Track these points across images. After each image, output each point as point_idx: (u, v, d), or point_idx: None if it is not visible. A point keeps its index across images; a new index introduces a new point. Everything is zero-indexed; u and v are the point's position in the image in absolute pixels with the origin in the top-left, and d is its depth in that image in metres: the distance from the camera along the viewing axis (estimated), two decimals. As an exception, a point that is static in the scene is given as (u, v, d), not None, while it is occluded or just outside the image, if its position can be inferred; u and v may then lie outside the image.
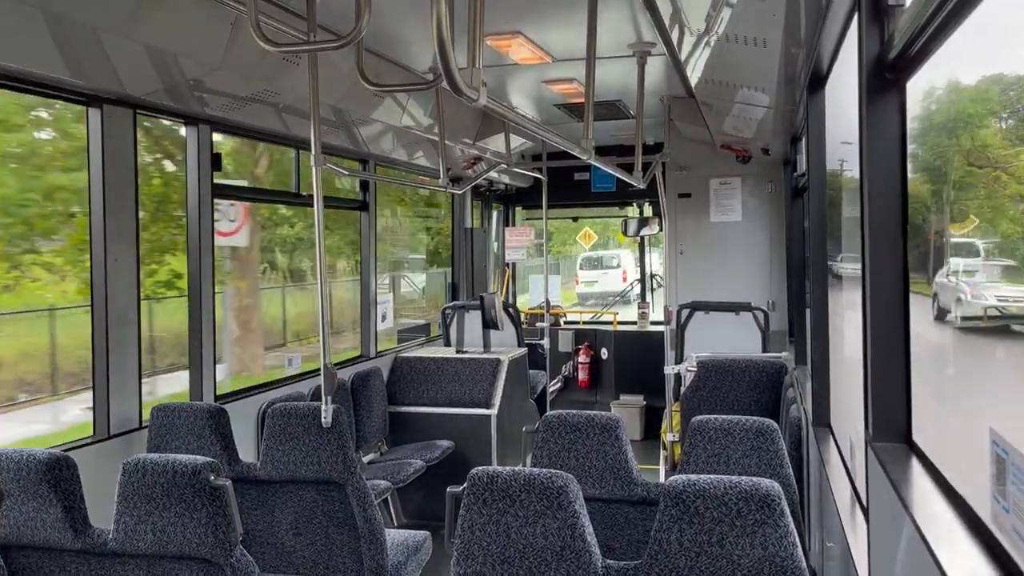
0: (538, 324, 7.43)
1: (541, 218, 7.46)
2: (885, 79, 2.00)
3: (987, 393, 1.68)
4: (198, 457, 2.41)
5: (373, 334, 6.01)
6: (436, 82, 3.41)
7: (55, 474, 2.45)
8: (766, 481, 2.10)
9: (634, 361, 8.49)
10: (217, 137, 4.22)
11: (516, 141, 6.95)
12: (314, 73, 3.07)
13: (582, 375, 8.79)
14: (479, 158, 6.82)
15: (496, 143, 6.60)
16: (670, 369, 5.82)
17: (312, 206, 3.31)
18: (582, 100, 4.30)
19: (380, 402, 5.72)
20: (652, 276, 9.58)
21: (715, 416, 2.96)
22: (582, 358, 8.78)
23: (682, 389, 5.37)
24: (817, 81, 3.51)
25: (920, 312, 1.99)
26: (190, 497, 2.36)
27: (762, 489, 2.07)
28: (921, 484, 1.73)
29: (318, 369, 3.25)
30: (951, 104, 1.88)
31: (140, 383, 3.70)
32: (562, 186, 8.37)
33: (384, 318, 6.23)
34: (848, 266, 3.01)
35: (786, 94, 4.30)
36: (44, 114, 7.35)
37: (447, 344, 6.92)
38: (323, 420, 3.20)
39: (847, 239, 3.05)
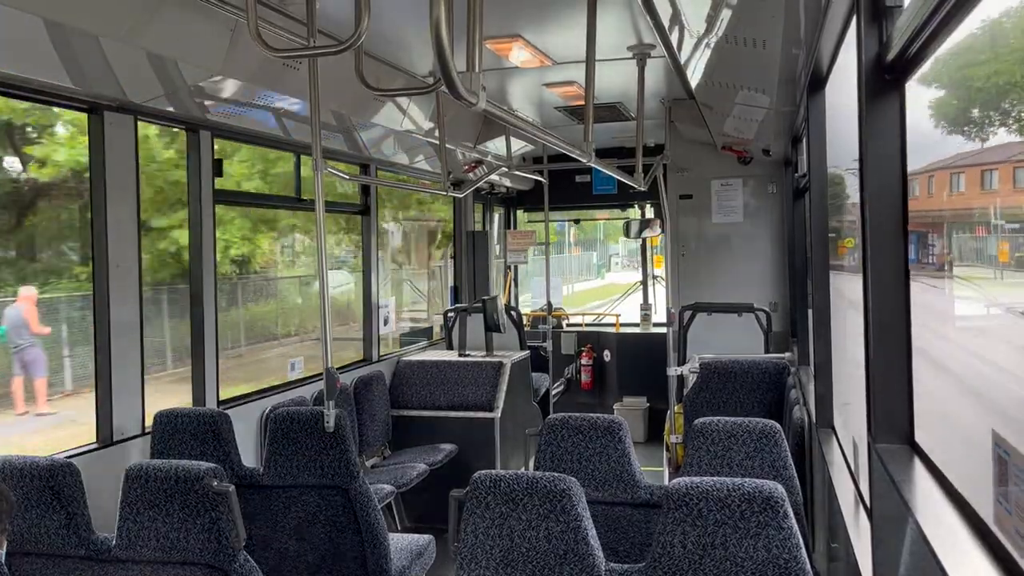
0: (540, 327, 7.42)
1: (543, 220, 7.46)
2: (884, 80, 2.00)
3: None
4: (201, 463, 2.41)
5: (375, 338, 6.01)
6: (436, 86, 3.42)
7: (58, 481, 2.46)
8: (769, 483, 2.09)
9: (637, 363, 8.47)
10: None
11: (517, 144, 6.95)
12: (314, 78, 3.07)
13: (585, 377, 8.77)
14: (480, 161, 6.82)
15: (497, 146, 6.61)
16: (673, 371, 5.82)
17: (314, 210, 3.31)
18: (582, 103, 4.30)
19: (383, 406, 5.72)
20: (654, 278, 9.58)
21: (718, 418, 2.95)
22: (585, 360, 8.76)
23: (685, 391, 5.36)
24: (817, 82, 3.51)
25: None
26: (193, 503, 2.36)
27: (765, 491, 2.07)
28: (924, 485, 1.73)
29: (321, 373, 3.25)
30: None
31: (143, 389, 3.71)
32: (563, 188, 8.37)
33: (386, 322, 6.23)
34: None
35: (786, 95, 4.29)
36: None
37: (449, 347, 6.92)
38: (326, 424, 3.20)
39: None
